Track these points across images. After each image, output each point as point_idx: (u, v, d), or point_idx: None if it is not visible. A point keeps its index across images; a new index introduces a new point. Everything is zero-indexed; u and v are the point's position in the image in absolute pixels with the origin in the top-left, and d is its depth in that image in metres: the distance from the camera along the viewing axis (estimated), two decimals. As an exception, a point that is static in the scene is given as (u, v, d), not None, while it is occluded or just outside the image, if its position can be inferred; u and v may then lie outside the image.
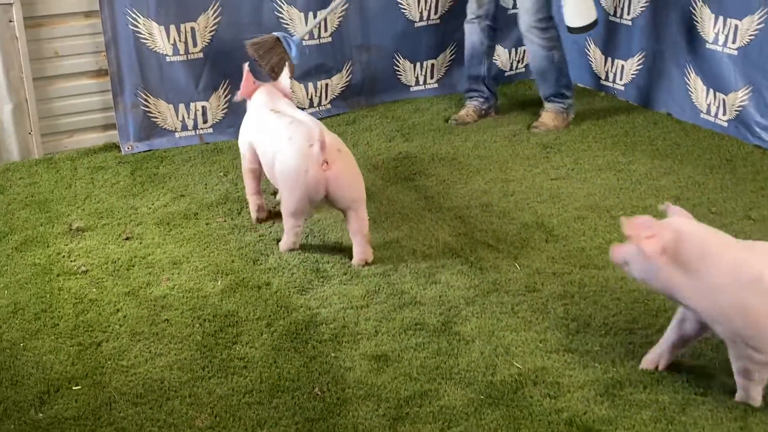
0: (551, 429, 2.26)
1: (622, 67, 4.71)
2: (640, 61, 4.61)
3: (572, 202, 3.53)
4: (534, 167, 3.87)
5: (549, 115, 4.34)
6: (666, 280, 2.25)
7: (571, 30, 4.14)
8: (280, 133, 3.07)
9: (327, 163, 2.91)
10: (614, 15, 4.67)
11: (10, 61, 3.73)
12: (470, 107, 4.44)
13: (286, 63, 3.75)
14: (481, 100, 4.46)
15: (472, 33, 4.34)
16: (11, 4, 3.65)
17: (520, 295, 2.86)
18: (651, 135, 4.25)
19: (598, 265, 3.06)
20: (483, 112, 4.45)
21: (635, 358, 2.54)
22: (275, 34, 3.86)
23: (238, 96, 3.41)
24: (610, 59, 4.77)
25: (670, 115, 4.49)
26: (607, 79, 4.83)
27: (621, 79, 4.74)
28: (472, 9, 4.31)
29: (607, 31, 4.72)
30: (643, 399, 2.37)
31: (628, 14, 4.60)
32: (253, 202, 3.34)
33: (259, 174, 3.29)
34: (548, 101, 4.36)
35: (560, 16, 4.19)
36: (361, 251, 3.03)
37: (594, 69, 4.87)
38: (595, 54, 4.84)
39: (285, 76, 3.43)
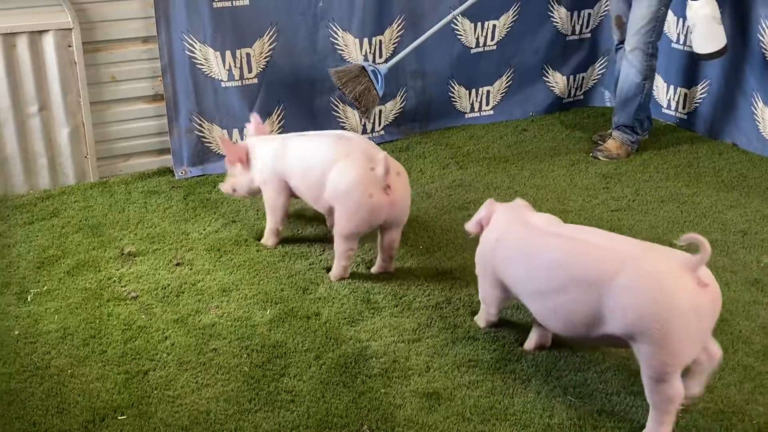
0: (612, 478, 2.14)
1: (686, 95, 4.56)
2: (704, 89, 4.46)
3: (634, 234, 3.37)
4: (593, 198, 3.75)
5: (615, 143, 4.22)
6: None
7: (701, 57, 3.98)
8: (327, 150, 3.02)
9: (389, 187, 2.87)
10: (677, 42, 4.54)
11: (68, 85, 3.76)
12: (615, 142, 4.27)
13: (372, 93, 3.79)
14: (631, 134, 4.27)
15: (617, 61, 4.39)
16: (71, 30, 3.69)
17: (578, 332, 2.74)
18: (716, 166, 4.09)
19: (662, 303, 2.91)
20: (632, 145, 4.25)
21: (702, 402, 2.40)
22: (361, 63, 3.84)
23: (227, 163, 3.36)
24: (672, 87, 4.63)
25: (735, 145, 4.33)
26: (669, 107, 4.68)
27: (684, 108, 4.59)
28: (614, 40, 4.42)
29: (671, 58, 4.58)
30: (712, 449, 2.23)
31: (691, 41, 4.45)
32: (276, 237, 3.33)
33: (288, 206, 3.31)
34: (619, 129, 4.25)
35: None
36: (384, 265, 3.11)
37: (656, 97, 4.73)
38: (657, 81, 4.70)
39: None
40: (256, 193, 3.37)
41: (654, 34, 4.04)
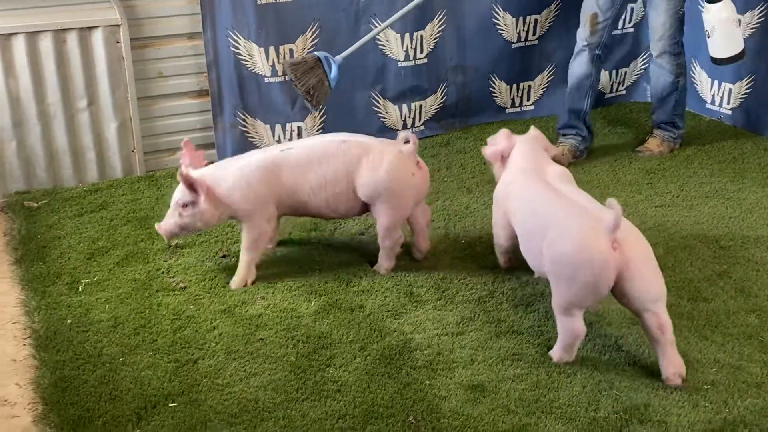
0: (659, 472, 2.14)
1: (730, 90, 4.51)
2: (749, 85, 4.40)
3: (679, 230, 3.37)
4: (637, 193, 3.73)
5: (656, 141, 4.19)
6: None
7: (719, 62, 3.83)
8: (343, 152, 3.00)
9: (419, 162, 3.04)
10: (722, 36, 4.48)
11: (117, 81, 3.84)
12: (566, 146, 4.09)
13: (324, 85, 3.54)
14: (579, 138, 4.13)
15: (581, 64, 4.06)
16: (119, 26, 3.77)
17: (624, 327, 2.73)
18: (761, 162, 4.04)
19: (707, 298, 2.90)
20: (578, 153, 4.11)
21: (749, 398, 2.38)
22: (317, 54, 3.58)
23: (183, 170, 2.99)
24: (716, 82, 4.57)
25: (781, 140, 4.27)
26: (713, 102, 4.63)
27: (728, 103, 4.54)
28: (581, 38, 4.04)
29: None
30: (760, 444, 2.22)
31: (737, 35, 4.40)
32: (253, 273, 3.11)
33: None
34: (659, 128, 4.21)
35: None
36: (424, 244, 3.17)
37: (699, 92, 4.68)
38: (701, 77, 4.66)
39: None
40: (208, 227, 3.08)
41: (678, 34, 3.97)
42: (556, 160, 3.97)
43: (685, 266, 3.10)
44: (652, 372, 2.51)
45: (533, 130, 2.99)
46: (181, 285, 3.05)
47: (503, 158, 2.94)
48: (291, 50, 4.04)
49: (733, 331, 2.70)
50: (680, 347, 2.59)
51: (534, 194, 2.70)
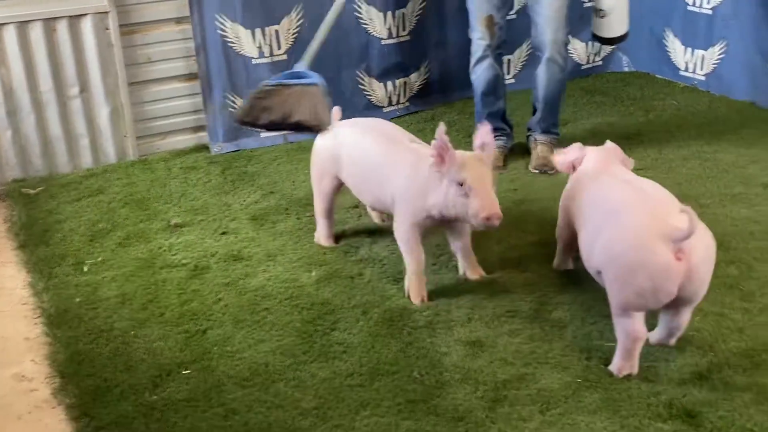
0: (650, 411, 2.28)
1: (703, 57, 4.66)
2: (722, 51, 4.55)
3: (658, 191, 3.52)
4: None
5: (547, 149, 3.82)
6: None
7: (609, 41, 3.84)
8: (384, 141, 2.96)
9: None
10: (693, 4, 4.62)
11: (107, 67, 3.91)
12: (496, 151, 3.50)
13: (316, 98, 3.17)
14: (505, 138, 3.94)
15: (487, 68, 3.81)
16: (107, 13, 3.83)
17: (610, 282, 2.87)
18: (735, 124, 4.20)
19: (689, 253, 3.04)
20: (508, 151, 3.94)
21: (732, 342, 2.53)
22: (271, 81, 3.15)
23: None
24: (690, 50, 4.72)
25: (753, 103, 4.42)
26: (687, 69, 4.77)
27: (702, 70, 4.69)
28: (482, 44, 3.79)
29: (687, 21, 4.68)
30: (743, 382, 2.37)
31: (708, 3, 4.55)
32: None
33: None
34: (547, 133, 3.90)
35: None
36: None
37: (673, 60, 4.83)
38: (674, 45, 4.80)
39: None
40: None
41: (568, 24, 3.76)
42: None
43: (667, 224, 3.25)
44: (639, 322, 2.65)
45: (609, 143, 2.81)
46: (184, 261, 3.14)
47: (574, 168, 2.80)
48: (277, 31, 4.12)
49: (715, 281, 2.80)
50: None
51: (597, 187, 2.57)
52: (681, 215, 2.22)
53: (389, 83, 4.49)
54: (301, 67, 3.24)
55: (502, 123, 3.96)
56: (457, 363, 2.51)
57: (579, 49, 4.95)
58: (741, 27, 4.40)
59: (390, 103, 4.54)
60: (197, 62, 4.05)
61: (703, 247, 2.27)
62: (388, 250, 3.16)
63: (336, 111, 3.18)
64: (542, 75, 3.80)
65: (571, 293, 2.82)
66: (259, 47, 4.11)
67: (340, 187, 3.18)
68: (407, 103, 4.60)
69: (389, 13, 4.34)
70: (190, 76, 4.13)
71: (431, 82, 4.63)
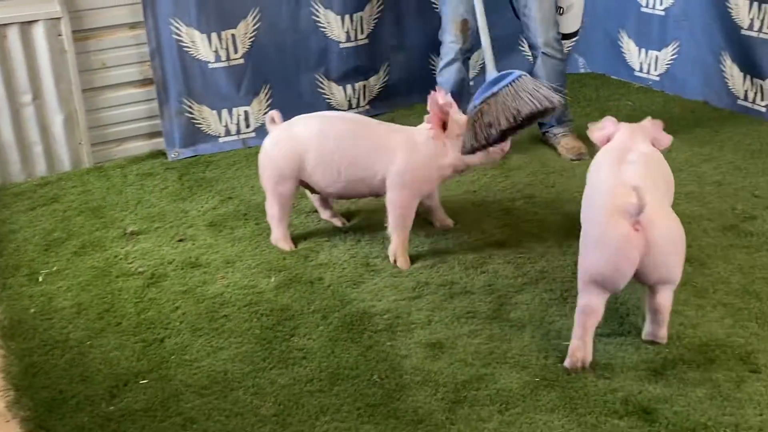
0: (607, 408, 2.30)
1: (656, 57, 4.73)
2: (675, 51, 4.63)
3: (614, 190, 3.56)
4: (574, 159, 3.90)
5: (572, 137, 4.00)
6: None
7: (566, 37, 3.97)
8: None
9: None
10: (646, 6, 4.70)
11: (60, 73, 3.85)
12: None
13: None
14: None
15: (455, 71, 3.90)
16: (60, 19, 3.77)
17: (567, 281, 2.90)
18: (689, 123, 4.27)
19: (644, 251, 3.09)
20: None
21: (686, 338, 2.57)
22: (490, 92, 2.92)
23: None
24: (644, 50, 4.79)
25: (707, 103, 4.50)
26: (641, 70, 4.85)
27: (656, 70, 4.76)
28: (455, 47, 3.85)
29: (641, 23, 4.75)
30: (697, 377, 2.40)
31: (661, 4, 4.63)
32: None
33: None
34: (562, 123, 4.03)
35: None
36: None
37: (628, 61, 4.90)
38: (629, 46, 4.87)
39: None
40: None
41: (556, 18, 3.90)
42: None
43: (623, 223, 3.29)
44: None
45: (648, 120, 2.84)
46: (140, 270, 3.10)
47: (609, 142, 2.80)
48: (233, 35, 4.10)
49: (669, 279, 2.89)
50: (621, 297, 2.78)
51: (595, 168, 2.71)
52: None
53: (348, 86, 4.49)
54: (493, 73, 3.10)
55: None
56: (417, 365, 2.51)
57: (536, 51, 4.99)
58: (692, 27, 4.48)
59: (350, 106, 4.54)
60: (152, 67, 4.01)
61: (664, 225, 2.37)
62: (348, 254, 3.16)
63: (276, 115, 3.18)
64: (542, 72, 3.87)
65: (530, 293, 2.85)
66: (216, 51, 4.08)
67: (297, 189, 3.19)
68: (367, 106, 4.60)
69: (347, 17, 4.33)
70: (146, 82, 4.08)
71: (391, 85, 4.64)
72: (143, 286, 3.00)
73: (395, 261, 3.07)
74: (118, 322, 2.80)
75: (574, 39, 4.02)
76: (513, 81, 2.87)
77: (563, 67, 3.96)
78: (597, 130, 2.83)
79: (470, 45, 3.87)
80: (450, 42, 3.87)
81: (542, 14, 3.80)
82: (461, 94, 3.92)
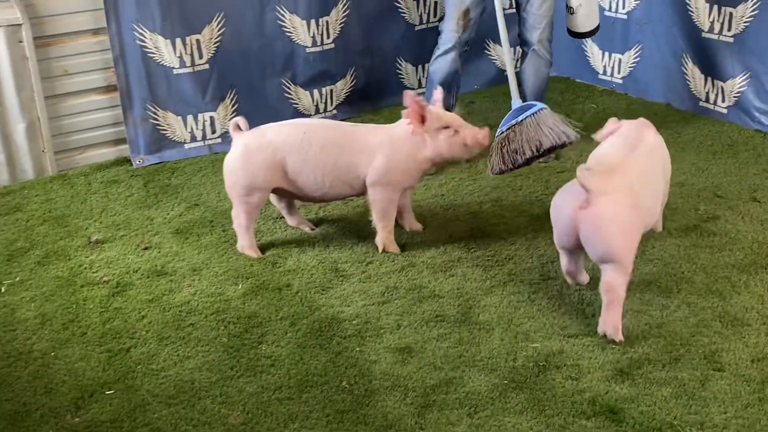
0: (575, 409, 2.32)
1: (620, 60, 4.79)
2: (637, 54, 4.69)
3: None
4: (540, 162, 3.93)
5: None
6: None
7: (580, 35, 4.04)
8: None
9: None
10: (609, 9, 4.75)
11: (22, 80, 3.79)
12: None
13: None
14: None
15: (450, 62, 3.92)
16: (20, 25, 3.72)
17: (535, 284, 2.92)
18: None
19: (610, 252, 3.13)
20: None
21: (651, 337, 2.60)
22: (515, 121, 3.18)
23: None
24: (607, 54, 4.85)
25: (669, 105, 4.57)
26: (605, 73, 4.90)
27: (619, 73, 4.82)
28: (454, 36, 3.89)
29: (604, 26, 4.78)
30: (663, 377, 2.43)
31: (623, 8, 4.69)
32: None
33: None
34: None
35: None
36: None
37: (591, 64, 4.95)
38: (592, 49, 4.92)
39: None
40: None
41: (552, 20, 3.95)
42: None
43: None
44: (563, 322, 2.70)
45: (642, 119, 3.02)
46: (105, 279, 3.07)
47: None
48: (198, 41, 4.07)
49: (634, 280, 2.92)
50: (587, 298, 2.80)
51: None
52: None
53: (315, 91, 4.48)
54: (517, 103, 3.28)
55: None
56: (386, 370, 2.51)
57: (502, 56, 5.03)
58: (654, 30, 4.54)
59: (317, 111, 4.53)
60: (116, 74, 3.97)
61: (612, 207, 2.55)
62: (316, 259, 3.15)
63: (242, 122, 3.16)
64: (529, 69, 3.96)
65: (498, 296, 2.86)
66: (180, 57, 4.05)
67: (267, 198, 3.21)
68: (334, 111, 4.60)
69: (313, 21, 4.33)
70: (109, 88, 4.04)
71: (358, 90, 4.64)
72: (108, 296, 2.96)
73: (384, 250, 3.16)
74: (83, 333, 2.76)
75: (589, 37, 4.10)
76: (535, 113, 3.11)
77: (548, 70, 4.03)
78: (602, 130, 3.01)
79: (468, 36, 3.93)
80: (450, 30, 3.92)
81: (542, 12, 3.88)
82: (451, 85, 3.98)
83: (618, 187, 2.57)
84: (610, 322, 2.59)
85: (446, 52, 3.95)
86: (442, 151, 3.06)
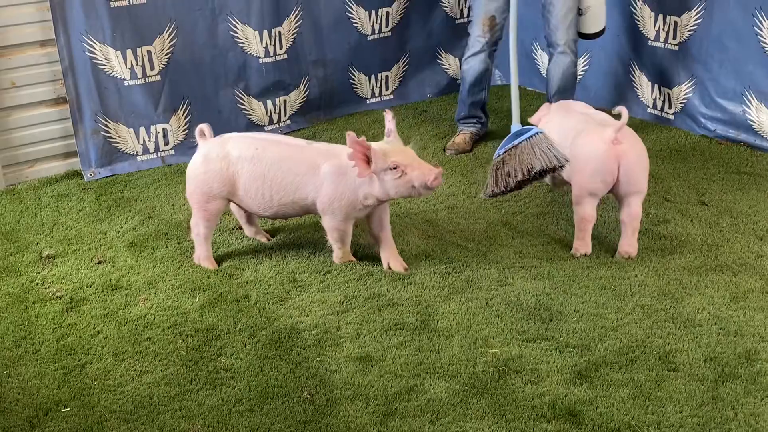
0: (535, 413, 2.35)
1: (569, 68, 4.87)
2: (586, 62, 4.78)
3: (533, 199, 3.65)
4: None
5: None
6: None
7: (588, 36, 4.16)
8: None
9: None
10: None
11: (-33, 93, 3.71)
12: (467, 134, 4.30)
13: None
14: (480, 126, 4.36)
15: (480, 61, 4.18)
16: (-35, 37, 3.64)
17: (492, 289, 2.95)
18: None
19: (564, 257, 3.18)
20: (477, 137, 4.35)
21: (608, 340, 2.65)
22: (511, 144, 3.11)
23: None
24: (557, 62, 4.92)
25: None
26: (555, 81, 4.98)
27: (569, 81, 4.89)
28: (481, 41, 4.12)
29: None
30: (620, 378, 2.48)
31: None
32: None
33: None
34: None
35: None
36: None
37: (541, 72, 5.03)
38: (542, 58, 5.00)
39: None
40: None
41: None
42: (460, 147, 4.25)
43: (542, 231, 3.38)
44: (521, 327, 2.73)
45: (561, 101, 3.64)
46: (58, 294, 3.01)
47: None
48: (149, 52, 4.03)
49: (590, 284, 2.97)
50: (544, 303, 2.84)
51: (560, 119, 3.31)
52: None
53: (269, 102, 4.47)
54: (516, 126, 3.23)
55: (480, 112, 4.36)
56: (347, 379, 2.51)
57: (453, 65, 5.08)
58: (603, 39, 4.61)
59: (271, 122, 4.51)
60: (65, 86, 3.90)
61: (640, 142, 3.13)
62: (274, 270, 3.13)
63: (206, 128, 3.13)
64: (556, 69, 4.16)
65: (456, 302, 2.88)
66: (131, 68, 4.00)
67: (226, 207, 3.17)
68: (288, 121, 4.59)
69: (265, 32, 4.32)
70: (59, 101, 3.97)
71: (311, 100, 4.64)
72: (62, 311, 2.90)
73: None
74: (36, 350, 2.70)
75: (596, 38, 4.22)
76: (531, 137, 3.08)
77: (575, 70, 4.20)
78: (535, 114, 3.47)
79: (495, 39, 4.16)
80: (477, 35, 4.15)
81: (564, 13, 4.04)
82: (482, 82, 4.25)
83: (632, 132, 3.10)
84: (635, 245, 3.13)
85: (475, 54, 4.19)
86: (389, 192, 2.92)
